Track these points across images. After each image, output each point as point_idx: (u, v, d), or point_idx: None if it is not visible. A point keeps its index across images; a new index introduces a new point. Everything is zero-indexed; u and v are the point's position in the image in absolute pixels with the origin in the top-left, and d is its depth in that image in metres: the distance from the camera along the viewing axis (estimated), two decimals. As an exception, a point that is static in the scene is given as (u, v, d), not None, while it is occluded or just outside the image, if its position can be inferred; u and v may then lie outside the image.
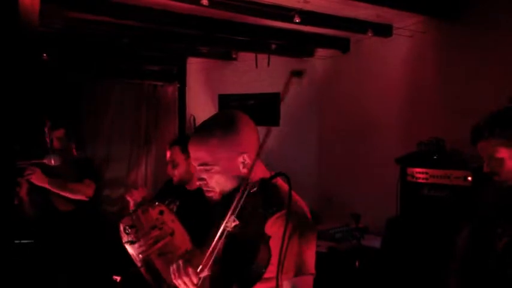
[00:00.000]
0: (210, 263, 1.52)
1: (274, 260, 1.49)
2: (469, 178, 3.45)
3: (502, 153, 1.95)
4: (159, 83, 5.99)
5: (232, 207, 1.38)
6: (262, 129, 2.60)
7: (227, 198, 1.58)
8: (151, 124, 5.98)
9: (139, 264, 2.68)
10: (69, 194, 3.68)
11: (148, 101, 5.94)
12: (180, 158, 3.02)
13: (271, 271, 1.52)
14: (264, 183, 1.50)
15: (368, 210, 4.37)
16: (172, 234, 2.63)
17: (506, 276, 1.96)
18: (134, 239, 2.67)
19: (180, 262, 1.57)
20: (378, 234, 4.22)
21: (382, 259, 3.88)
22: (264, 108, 5.65)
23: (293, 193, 1.67)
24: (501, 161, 1.96)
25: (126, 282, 3.57)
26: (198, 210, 2.69)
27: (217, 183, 1.63)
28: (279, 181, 1.64)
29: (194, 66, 6.05)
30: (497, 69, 3.70)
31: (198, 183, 1.68)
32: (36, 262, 4.15)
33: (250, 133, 1.66)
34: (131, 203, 2.92)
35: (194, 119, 5.74)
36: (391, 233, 3.93)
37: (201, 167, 1.64)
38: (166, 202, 2.91)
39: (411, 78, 4.51)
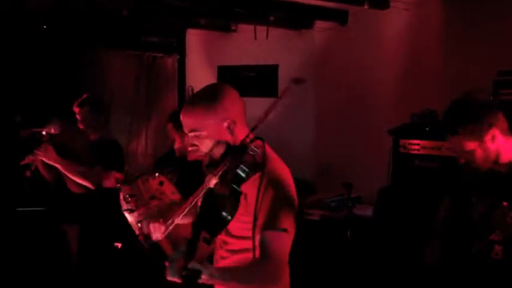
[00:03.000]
0: (183, 212, 1.76)
1: (250, 217, 1.66)
2: (459, 149, 3.52)
3: (470, 146, 2.03)
4: (159, 55, 6.03)
5: (220, 168, 1.56)
6: (259, 101, 2.71)
7: (216, 161, 1.73)
8: (151, 95, 6.03)
9: (137, 232, 2.78)
10: (76, 178, 3.46)
11: (148, 73, 5.99)
12: (174, 134, 3.07)
13: (248, 229, 1.68)
14: (241, 149, 1.63)
15: (362, 179, 4.46)
16: (170, 205, 2.72)
17: (481, 245, 2.07)
18: (134, 208, 2.76)
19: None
20: (371, 203, 4.33)
21: (373, 228, 3.99)
22: (263, 80, 5.70)
23: (276, 157, 1.82)
24: (471, 152, 2.04)
25: (127, 249, 3.68)
26: (197, 181, 2.78)
27: (207, 148, 1.80)
28: (267, 147, 1.75)
29: (193, 38, 6.07)
30: (488, 42, 3.75)
31: (189, 148, 1.84)
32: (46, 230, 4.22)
33: (233, 101, 1.83)
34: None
35: (192, 90, 5.79)
36: (382, 203, 4.03)
37: (192, 133, 1.81)
38: (166, 172, 2.97)
39: (406, 50, 4.56)
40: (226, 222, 1.56)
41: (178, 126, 2.98)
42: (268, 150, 1.78)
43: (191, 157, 3.00)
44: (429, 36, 4.32)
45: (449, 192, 2.33)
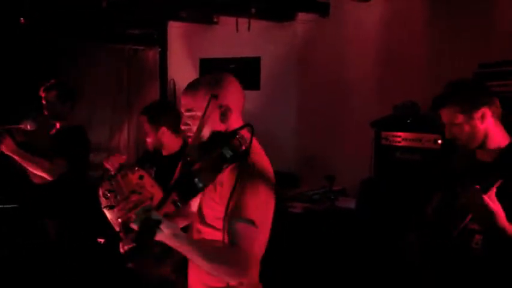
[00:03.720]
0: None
1: (223, 206, 1.68)
2: (439, 141, 3.56)
3: (460, 118, 2.07)
4: (140, 47, 5.97)
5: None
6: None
7: (202, 144, 1.77)
8: (133, 88, 5.98)
9: (117, 229, 2.75)
10: (32, 169, 3.43)
11: (129, 65, 5.93)
12: (147, 127, 3.03)
13: (221, 218, 1.70)
14: (231, 133, 1.68)
15: (344, 172, 4.49)
16: (151, 199, 2.68)
17: (463, 236, 2.10)
18: (113, 204, 2.73)
19: None
20: (354, 196, 4.35)
21: (355, 220, 4.02)
22: (245, 72, 5.68)
23: (261, 151, 1.84)
24: (460, 126, 2.08)
25: (111, 244, 3.65)
26: (171, 176, 2.76)
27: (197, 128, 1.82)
28: (254, 140, 1.76)
29: (175, 30, 6.02)
30: (470, 36, 3.78)
31: (182, 127, 1.89)
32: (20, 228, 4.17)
33: (233, 90, 1.88)
34: (110, 169, 2.96)
35: (174, 83, 5.75)
36: (364, 195, 4.05)
37: (187, 113, 1.86)
38: (145, 168, 2.95)
39: (388, 43, 4.57)
40: (196, 189, 1.58)
41: (152, 120, 2.97)
42: (255, 143, 1.80)
43: (166, 153, 3.02)
44: (410, 29, 4.34)
45: (441, 185, 2.36)
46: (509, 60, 3.23)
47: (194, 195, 1.62)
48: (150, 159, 3.09)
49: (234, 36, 5.54)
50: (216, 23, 5.82)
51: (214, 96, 1.80)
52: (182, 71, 5.90)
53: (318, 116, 5.33)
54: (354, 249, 3.77)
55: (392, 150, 3.92)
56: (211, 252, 1.68)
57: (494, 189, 1.89)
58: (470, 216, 2.02)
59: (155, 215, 1.52)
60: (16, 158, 3.36)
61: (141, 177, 2.76)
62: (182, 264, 2.77)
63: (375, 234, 3.72)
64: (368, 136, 4.21)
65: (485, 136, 2.09)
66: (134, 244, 1.58)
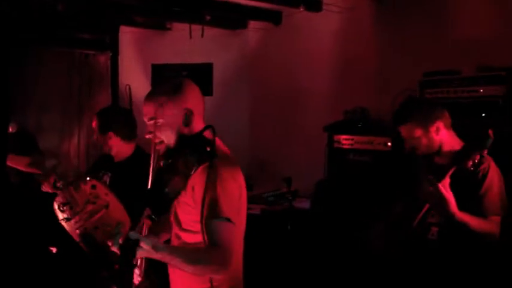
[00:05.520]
0: None
1: (198, 209, 1.73)
2: (389, 144, 3.82)
3: (417, 133, 2.36)
4: (91, 52, 5.90)
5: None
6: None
7: (171, 151, 1.84)
8: (84, 93, 5.89)
9: (77, 240, 2.75)
10: None
11: (80, 70, 5.84)
12: (97, 132, 3.02)
13: (198, 222, 1.74)
14: (195, 136, 1.77)
15: (298, 174, 4.65)
16: (107, 207, 2.65)
17: (421, 229, 2.32)
18: (70, 216, 2.70)
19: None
20: (307, 196, 4.53)
21: (311, 219, 4.20)
22: (197, 78, 5.70)
23: (226, 150, 1.92)
24: (418, 139, 2.37)
25: (62, 253, 3.61)
26: (125, 183, 2.78)
27: (164, 136, 1.87)
28: (218, 140, 1.85)
29: (127, 35, 5.99)
30: (416, 46, 4.06)
31: (146, 136, 1.91)
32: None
33: (193, 95, 1.93)
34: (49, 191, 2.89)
35: (129, 89, 5.74)
36: (319, 195, 4.26)
37: (151, 121, 1.89)
38: (100, 174, 2.92)
39: (339, 51, 4.80)
40: (169, 199, 1.64)
41: (100, 127, 2.94)
42: (219, 142, 1.87)
43: (117, 159, 2.97)
44: (360, 39, 4.58)
45: (398, 184, 2.60)
46: (452, 69, 3.51)
47: (168, 206, 1.69)
48: (105, 165, 3.08)
49: (186, 43, 5.61)
50: (169, 29, 5.86)
51: (187, 111, 1.87)
52: (134, 76, 5.89)
53: (270, 122, 5.50)
54: (313, 245, 3.95)
55: (345, 153, 4.15)
56: (192, 256, 1.73)
57: (447, 179, 2.13)
58: (427, 206, 2.25)
59: (132, 235, 1.56)
60: None
61: (93, 187, 2.72)
62: (150, 269, 2.83)
63: (330, 231, 3.92)
64: (320, 140, 4.42)
65: (441, 144, 2.38)
66: (117, 266, 1.57)
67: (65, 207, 2.67)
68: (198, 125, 1.90)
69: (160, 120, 1.85)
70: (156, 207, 1.63)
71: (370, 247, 2.54)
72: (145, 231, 1.72)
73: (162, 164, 1.76)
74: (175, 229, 1.95)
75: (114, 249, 1.61)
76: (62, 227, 2.74)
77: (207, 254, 1.74)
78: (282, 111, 5.35)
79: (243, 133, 5.70)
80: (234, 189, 1.82)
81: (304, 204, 4.42)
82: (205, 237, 1.73)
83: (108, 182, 2.88)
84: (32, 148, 3.72)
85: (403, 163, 2.69)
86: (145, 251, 1.57)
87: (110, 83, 5.97)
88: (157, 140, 1.88)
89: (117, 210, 2.62)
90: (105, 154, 3.02)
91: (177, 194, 1.65)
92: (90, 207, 2.63)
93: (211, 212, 1.73)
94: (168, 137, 1.87)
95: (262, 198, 4.63)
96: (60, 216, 2.69)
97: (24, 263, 3.74)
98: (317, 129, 4.43)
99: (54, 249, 4.19)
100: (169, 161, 1.69)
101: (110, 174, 2.97)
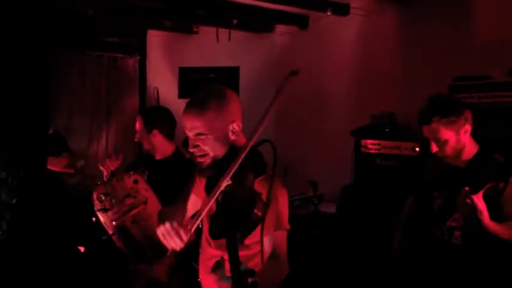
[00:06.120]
0: (198, 221, 1.66)
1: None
2: (417, 149, 3.79)
3: (446, 135, 2.26)
4: (120, 55, 5.99)
5: (230, 170, 1.53)
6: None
7: (218, 162, 1.80)
8: (112, 96, 5.98)
9: (111, 232, 2.81)
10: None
11: (109, 73, 5.94)
12: (142, 130, 3.07)
13: (254, 235, 1.64)
14: (253, 149, 1.69)
15: (323, 179, 4.65)
16: (145, 202, 2.76)
17: (439, 234, 2.30)
18: (108, 207, 2.78)
19: (168, 224, 1.67)
20: (332, 201, 4.52)
21: (337, 224, 4.19)
22: (223, 81, 5.79)
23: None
24: (446, 141, 2.27)
25: (90, 252, 3.69)
26: (165, 181, 2.84)
27: (211, 149, 1.82)
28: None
29: (155, 39, 6.08)
30: (443, 49, 4.01)
31: (191, 149, 1.86)
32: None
33: (237, 103, 1.89)
34: (104, 173, 3.01)
35: (157, 92, 5.81)
36: (345, 200, 4.24)
37: (197, 137, 1.83)
38: (138, 172, 2.99)
39: (365, 55, 4.77)
40: (257, 222, 1.50)
41: (147, 123, 3.03)
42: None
43: (159, 157, 3.07)
44: (386, 42, 4.55)
45: (414, 189, 2.56)
46: (483, 74, 3.47)
47: (256, 226, 1.54)
48: (143, 164, 3.15)
49: (213, 46, 5.65)
50: (196, 32, 5.92)
51: (233, 122, 1.83)
52: (162, 79, 5.96)
53: (296, 125, 5.49)
54: (339, 249, 3.94)
55: (372, 157, 4.12)
56: (273, 275, 1.71)
57: (482, 191, 2.10)
58: (454, 216, 2.23)
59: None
60: None
61: (135, 182, 2.82)
62: (175, 267, 2.87)
63: (356, 235, 3.90)
64: (346, 144, 4.40)
65: (463, 148, 2.30)
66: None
67: (104, 198, 2.76)
68: (240, 134, 1.88)
69: (210, 136, 1.81)
70: (246, 229, 1.50)
71: (395, 251, 2.52)
72: None
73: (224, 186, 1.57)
74: (210, 246, 1.93)
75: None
76: (92, 225, 2.83)
77: (275, 269, 1.74)
78: (307, 115, 5.34)
79: (267, 136, 5.68)
80: (287, 199, 1.87)
81: (330, 208, 4.41)
82: (265, 248, 1.71)
83: (145, 179, 2.94)
84: (64, 149, 3.81)
85: (416, 166, 2.62)
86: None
87: (137, 85, 6.07)
88: (201, 153, 1.84)
89: (154, 207, 2.70)
90: (146, 152, 3.10)
91: (264, 215, 1.50)
92: (130, 201, 2.71)
93: (279, 223, 1.77)
94: (215, 150, 1.82)
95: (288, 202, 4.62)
96: (98, 206, 2.77)
97: (55, 261, 3.83)
98: (343, 133, 4.41)
99: (82, 249, 4.29)
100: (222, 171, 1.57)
101: (147, 172, 3.05)
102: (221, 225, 1.48)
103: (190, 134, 1.85)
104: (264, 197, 1.59)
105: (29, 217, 3.72)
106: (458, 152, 2.31)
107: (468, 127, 2.28)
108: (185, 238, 1.66)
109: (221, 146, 1.83)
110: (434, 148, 2.33)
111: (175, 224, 1.65)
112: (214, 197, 1.53)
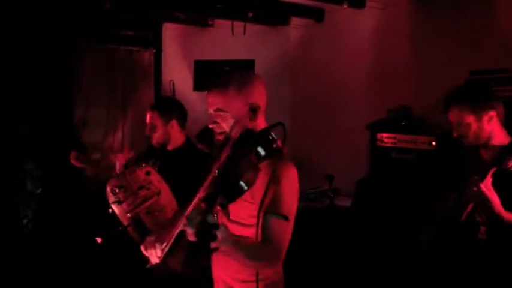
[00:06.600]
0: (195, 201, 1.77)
1: (256, 204, 1.76)
2: (433, 143, 3.76)
3: (469, 119, 2.27)
4: (135, 48, 6.03)
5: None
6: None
7: (235, 143, 1.80)
8: (128, 89, 6.03)
9: (126, 223, 2.83)
10: None
11: (124, 66, 5.98)
12: (158, 121, 3.09)
13: (251, 216, 1.78)
14: (264, 131, 1.75)
15: (339, 172, 4.63)
16: (159, 193, 2.77)
17: (469, 229, 2.28)
18: (122, 199, 2.80)
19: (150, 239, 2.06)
20: (348, 195, 4.51)
21: (352, 218, 4.18)
22: (239, 75, 5.77)
23: (280, 144, 1.88)
24: (468, 125, 2.28)
25: (107, 243, 3.73)
26: (178, 171, 2.86)
27: (228, 128, 1.86)
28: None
29: (170, 32, 6.10)
30: (460, 43, 3.97)
31: (210, 125, 1.94)
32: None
33: (260, 88, 1.93)
34: (117, 166, 3.03)
35: (173, 84, 5.84)
36: (360, 193, 4.22)
37: (217, 113, 1.90)
38: (150, 163, 3.04)
39: (381, 49, 4.74)
40: (242, 191, 1.61)
41: (164, 114, 3.01)
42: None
43: (171, 148, 3.04)
44: (403, 35, 4.52)
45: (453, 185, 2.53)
46: (501, 68, 3.42)
47: (240, 196, 1.65)
48: (154, 155, 3.17)
49: (229, 39, 5.65)
50: (212, 25, 5.92)
51: (254, 108, 1.87)
52: (177, 72, 5.99)
53: (311, 119, 5.47)
54: (354, 244, 3.93)
55: (388, 151, 4.10)
56: (251, 251, 1.75)
57: (489, 178, 2.08)
58: (472, 204, 2.21)
59: (211, 219, 1.52)
60: None
61: (148, 173, 2.83)
62: (189, 256, 2.89)
63: (371, 229, 3.89)
64: (362, 138, 4.39)
65: (490, 136, 2.29)
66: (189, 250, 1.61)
67: (118, 190, 2.77)
68: (261, 120, 1.91)
69: (228, 114, 1.87)
70: (230, 195, 1.61)
71: (421, 245, 2.49)
72: (219, 218, 1.72)
73: (230, 152, 1.71)
74: (224, 220, 1.94)
75: (187, 229, 1.61)
76: (108, 217, 2.85)
77: (262, 250, 1.76)
78: (323, 108, 5.31)
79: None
80: (296, 189, 1.84)
81: (345, 202, 4.40)
82: (259, 231, 1.76)
83: (156, 170, 2.96)
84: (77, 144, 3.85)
85: (449, 158, 2.60)
86: (217, 240, 1.54)
87: (153, 78, 6.11)
88: (220, 130, 1.90)
89: (168, 198, 2.71)
90: (156, 144, 3.11)
91: (250, 187, 1.63)
92: (143, 193, 2.73)
93: (272, 207, 1.76)
94: (232, 127, 1.85)
95: (304, 195, 4.62)
96: (112, 199, 2.79)
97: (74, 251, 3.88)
98: (358, 127, 4.40)
99: (99, 239, 4.35)
100: (235, 151, 1.68)
101: (159, 163, 3.07)
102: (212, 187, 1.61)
103: (211, 110, 1.92)
104: (266, 178, 1.74)
105: (52, 208, 3.79)
106: (484, 140, 2.29)
107: (493, 114, 2.27)
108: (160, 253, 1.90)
109: (238, 127, 1.84)
110: (454, 132, 2.34)
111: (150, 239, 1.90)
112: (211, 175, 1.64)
